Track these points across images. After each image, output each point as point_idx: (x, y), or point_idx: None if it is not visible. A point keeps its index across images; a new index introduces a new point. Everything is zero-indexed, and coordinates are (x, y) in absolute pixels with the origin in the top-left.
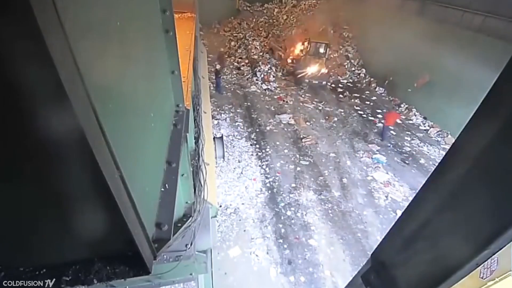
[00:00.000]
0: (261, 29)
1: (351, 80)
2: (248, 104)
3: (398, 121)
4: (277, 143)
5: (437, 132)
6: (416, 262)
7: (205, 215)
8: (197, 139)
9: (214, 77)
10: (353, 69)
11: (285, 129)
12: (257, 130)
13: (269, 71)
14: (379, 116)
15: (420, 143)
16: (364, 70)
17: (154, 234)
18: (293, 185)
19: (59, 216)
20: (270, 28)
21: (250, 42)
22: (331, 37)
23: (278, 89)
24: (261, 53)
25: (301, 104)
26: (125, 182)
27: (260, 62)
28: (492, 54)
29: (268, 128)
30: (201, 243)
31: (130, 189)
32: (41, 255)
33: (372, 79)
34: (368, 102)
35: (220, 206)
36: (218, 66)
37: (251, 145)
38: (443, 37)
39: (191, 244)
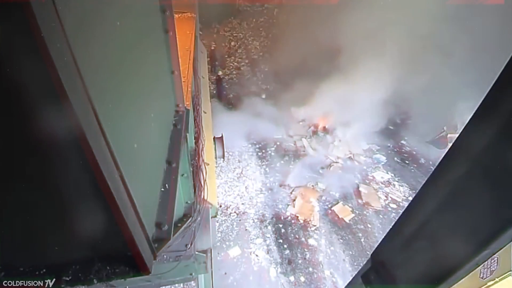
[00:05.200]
0: (261, 29)
1: None
2: None
3: (398, 121)
4: (278, 143)
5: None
6: (416, 262)
7: (205, 215)
8: (197, 139)
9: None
10: None
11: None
12: None
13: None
14: None
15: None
16: None
17: (154, 234)
18: (293, 185)
19: (59, 216)
20: (270, 29)
21: (250, 42)
22: None
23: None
24: (261, 53)
25: None
26: (125, 182)
27: (260, 62)
28: None
29: None
30: (201, 243)
31: (130, 189)
32: (41, 255)
33: None
34: None
35: (220, 206)
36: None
37: (251, 145)
38: None
39: (191, 244)
